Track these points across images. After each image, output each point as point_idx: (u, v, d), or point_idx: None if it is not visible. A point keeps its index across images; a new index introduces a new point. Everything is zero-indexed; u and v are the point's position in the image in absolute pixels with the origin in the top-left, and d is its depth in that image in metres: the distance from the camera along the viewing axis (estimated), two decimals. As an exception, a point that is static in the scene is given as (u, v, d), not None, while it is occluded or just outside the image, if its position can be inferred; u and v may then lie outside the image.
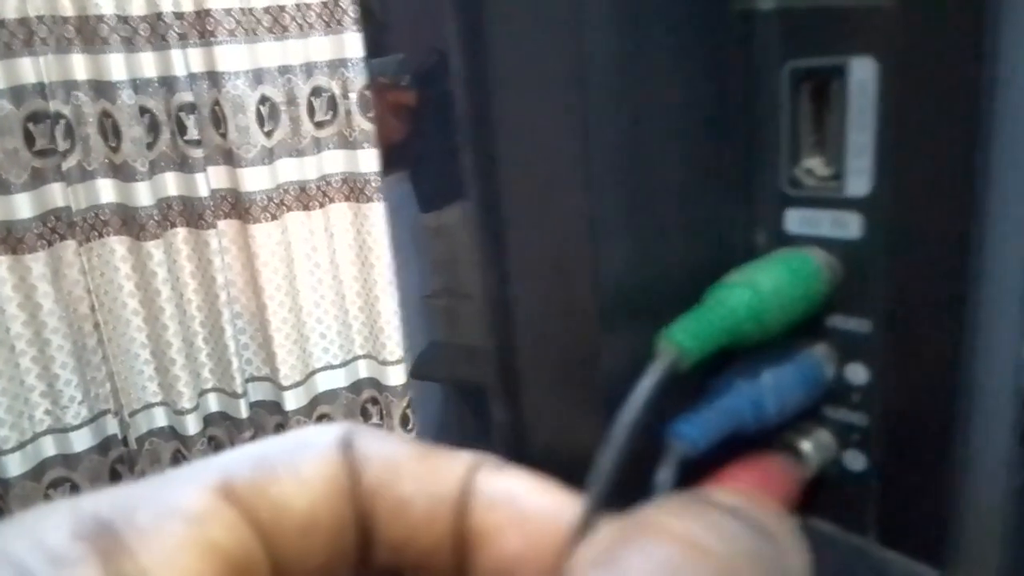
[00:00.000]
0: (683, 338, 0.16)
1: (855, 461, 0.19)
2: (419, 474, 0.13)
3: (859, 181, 0.17)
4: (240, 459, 0.12)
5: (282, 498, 0.12)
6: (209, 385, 1.10)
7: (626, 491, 0.15)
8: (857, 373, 0.18)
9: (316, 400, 1.14)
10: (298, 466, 0.12)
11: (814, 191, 0.18)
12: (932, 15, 0.15)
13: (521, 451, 0.19)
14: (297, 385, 1.12)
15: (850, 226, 0.17)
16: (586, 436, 0.18)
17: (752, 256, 0.19)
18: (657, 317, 0.17)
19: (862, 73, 0.16)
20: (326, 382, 1.14)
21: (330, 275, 1.12)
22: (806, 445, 0.19)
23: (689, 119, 0.18)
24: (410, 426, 1.18)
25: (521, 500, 0.12)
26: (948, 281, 0.17)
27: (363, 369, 1.16)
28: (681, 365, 0.16)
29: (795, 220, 0.18)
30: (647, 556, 0.10)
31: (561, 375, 0.18)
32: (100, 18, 0.95)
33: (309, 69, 1.05)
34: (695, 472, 0.17)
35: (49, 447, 1.04)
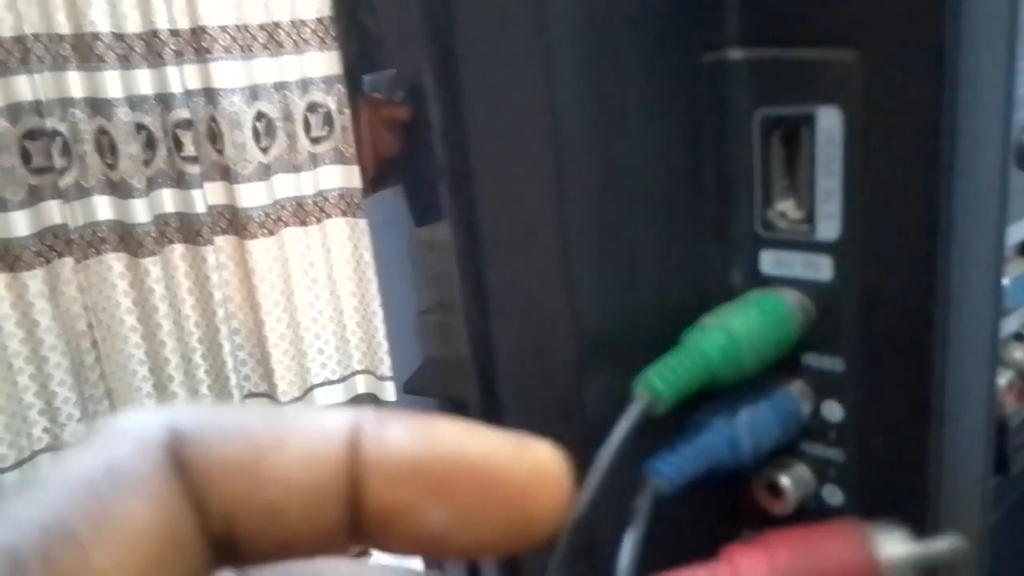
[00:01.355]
0: (658, 383, 0.16)
1: (833, 496, 0.20)
2: (284, 471, 0.10)
3: (829, 225, 0.18)
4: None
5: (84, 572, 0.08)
6: (208, 401, 1.11)
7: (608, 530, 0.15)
8: (833, 410, 0.19)
9: (314, 415, 1.15)
10: (102, 524, 0.08)
11: (786, 234, 0.18)
12: (892, 67, 0.16)
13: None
14: (295, 400, 1.12)
15: (822, 268, 0.18)
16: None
17: (728, 296, 0.19)
18: (636, 357, 0.18)
19: (828, 122, 0.17)
20: (324, 397, 1.15)
21: (327, 290, 1.12)
22: (785, 480, 0.20)
23: (663, 165, 0.18)
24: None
25: (402, 456, 0.10)
26: (916, 321, 0.17)
27: (361, 384, 1.17)
28: (656, 409, 0.16)
29: (769, 261, 0.19)
30: None
31: (543, 417, 0.19)
32: (96, 36, 0.96)
33: (305, 85, 1.06)
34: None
35: (47, 465, 1.04)
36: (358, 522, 0.10)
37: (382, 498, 0.09)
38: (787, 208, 0.18)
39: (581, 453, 0.18)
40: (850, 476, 0.19)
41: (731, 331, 0.17)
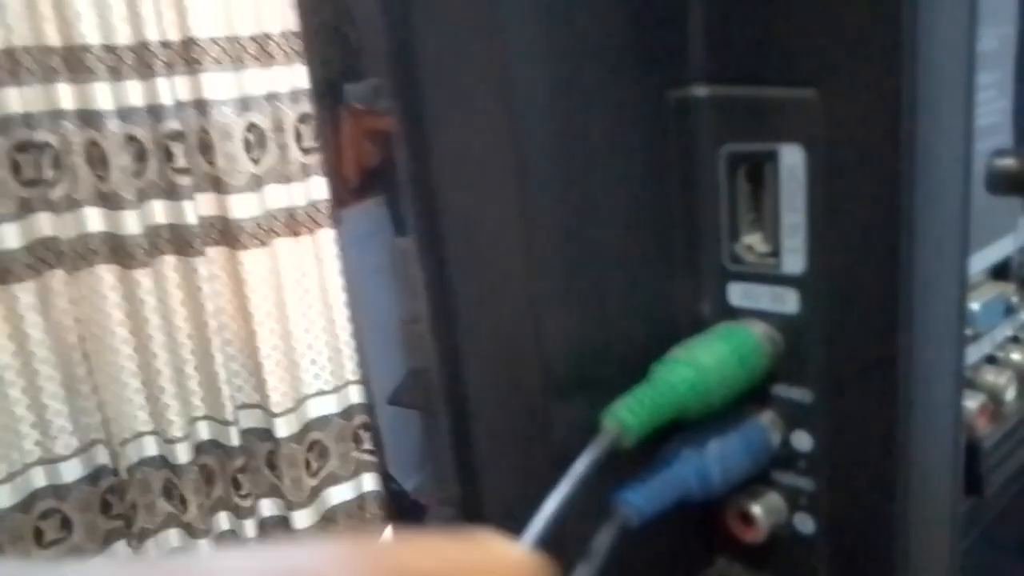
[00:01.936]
0: (626, 416, 0.17)
1: (804, 524, 0.20)
2: None
3: (794, 259, 0.18)
4: None
5: None
6: (200, 413, 1.11)
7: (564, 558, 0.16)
8: (802, 440, 0.19)
9: (308, 427, 1.15)
10: None
11: (754, 267, 0.19)
12: (852, 105, 0.16)
13: (478, 518, 0.20)
14: (288, 412, 1.12)
15: (788, 301, 0.18)
16: (538, 504, 0.19)
17: (697, 327, 0.19)
18: (605, 388, 0.18)
19: (791, 159, 0.17)
20: (318, 408, 1.15)
21: (320, 300, 1.13)
22: (757, 509, 0.20)
23: (630, 199, 0.19)
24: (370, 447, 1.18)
25: None
26: (881, 352, 0.18)
27: (355, 394, 1.17)
28: (624, 442, 0.17)
29: (737, 293, 0.19)
30: None
31: (513, 449, 0.19)
32: (86, 48, 0.97)
33: (296, 96, 1.06)
34: None
35: (39, 478, 1.04)
36: None
37: None
38: (754, 241, 0.19)
39: (550, 485, 0.18)
40: (821, 504, 0.20)
41: (699, 364, 0.18)
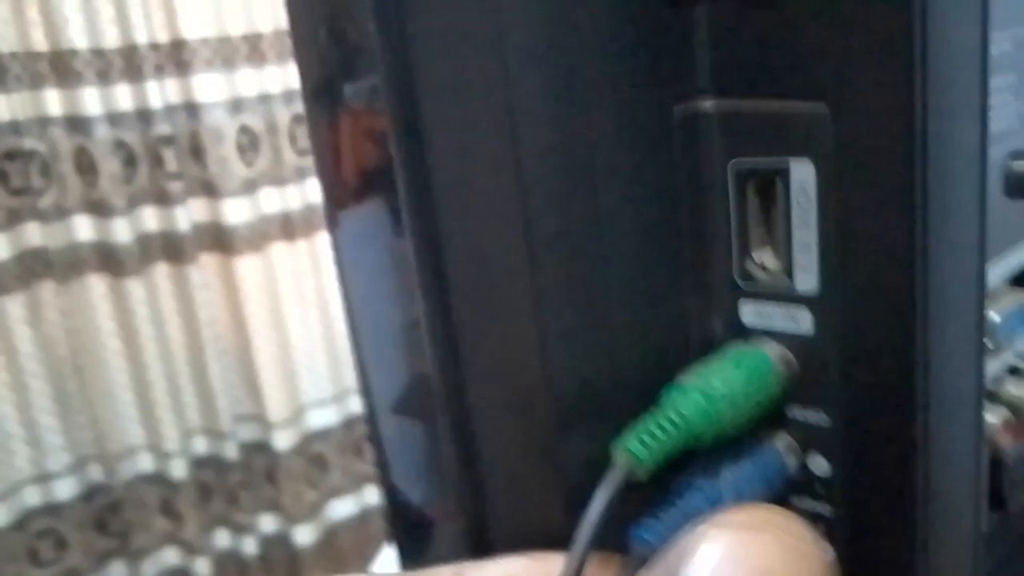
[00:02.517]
0: (638, 449, 0.17)
1: (825, 552, 0.20)
2: None
3: (807, 278, 0.18)
4: None
5: None
6: (195, 425, 1.11)
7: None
8: (819, 464, 0.19)
9: (309, 438, 1.15)
10: None
11: (766, 285, 0.19)
12: (863, 119, 0.16)
13: (486, 549, 0.20)
14: (287, 423, 1.13)
15: (802, 322, 0.18)
16: (549, 534, 0.19)
17: (709, 346, 0.19)
18: (615, 413, 0.18)
19: (801, 175, 0.17)
20: (317, 419, 1.15)
21: (318, 307, 1.13)
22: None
23: (637, 216, 0.18)
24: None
25: None
26: (898, 371, 0.18)
27: (355, 404, 1.17)
28: (637, 475, 0.17)
29: (749, 312, 0.19)
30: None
31: (522, 480, 0.19)
32: (74, 52, 0.97)
33: (289, 97, 1.06)
34: None
35: (33, 496, 1.04)
36: None
37: None
38: (765, 258, 0.19)
39: (560, 516, 0.18)
40: (840, 530, 0.20)
41: (712, 391, 0.17)
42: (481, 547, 0.20)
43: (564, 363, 0.18)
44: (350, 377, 1.16)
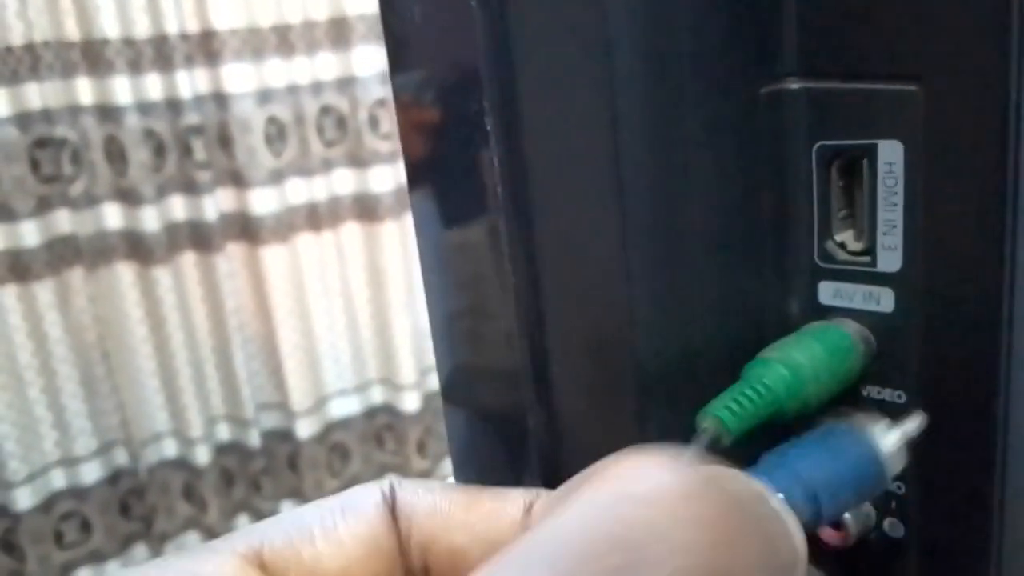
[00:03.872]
0: (725, 416, 0.17)
1: (895, 529, 0.20)
2: (471, 523, 0.13)
3: (890, 257, 0.18)
4: (276, 525, 0.13)
5: (314, 561, 0.13)
6: (219, 413, 1.12)
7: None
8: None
9: (330, 427, 1.16)
10: (335, 528, 0.13)
11: (846, 265, 0.19)
12: (955, 100, 0.16)
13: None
14: (309, 412, 1.13)
15: (882, 300, 0.19)
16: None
17: (786, 327, 0.20)
18: (696, 393, 0.18)
19: (889, 156, 0.17)
20: (339, 408, 1.16)
21: (341, 298, 1.13)
22: (846, 513, 0.20)
23: (722, 197, 0.19)
24: (428, 453, 1.19)
25: None
26: (980, 356, 0.18)
27: (377, 394, 1.18)
28: (723, 442, 0.17)
29: (828, 292, 0.19)
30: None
31: (604, 448, 0.19)
32: (105, 42, 0.98)
33: (317, 88, 1.07)
34: None
35: (59, 479, 1.06)
36: None
37: None
38: (846, 239, 0.19)
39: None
40: (911, 508, 0.20)
41: (795, 364, 0.18)
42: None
43: (650, 337, 0.18)
44: (373, 367, 1.17)
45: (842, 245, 0.19)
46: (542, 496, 0.14)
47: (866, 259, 0.19)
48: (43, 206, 0.99)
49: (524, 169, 0.17)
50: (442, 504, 0.14)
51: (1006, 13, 0.16)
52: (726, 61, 0.18)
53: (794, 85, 0.18)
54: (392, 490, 0.14)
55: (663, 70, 0.17)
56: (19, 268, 0.98)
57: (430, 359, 1.06)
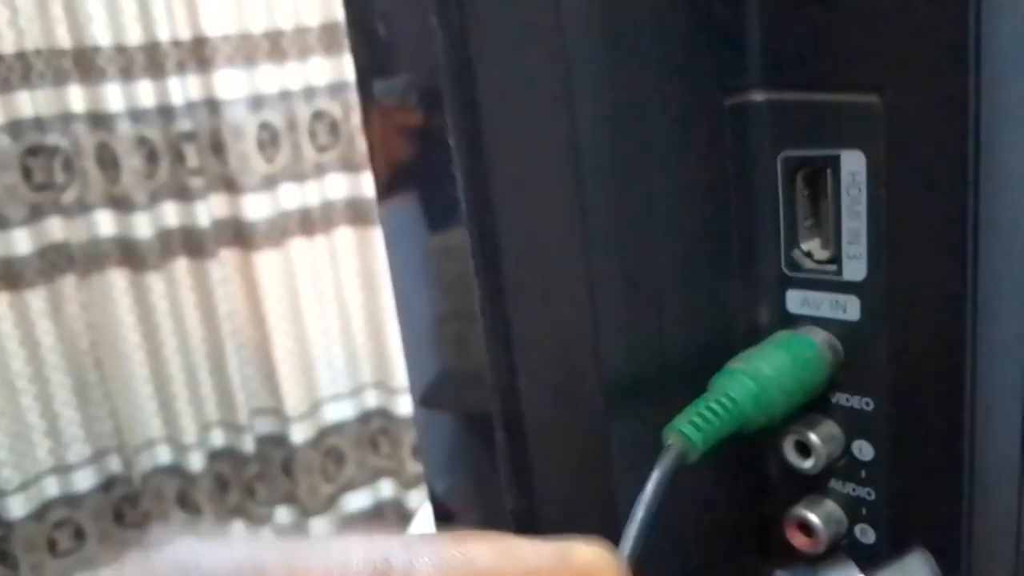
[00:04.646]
0: (690, 431, 0.17)
1: (865, 534, 0.20)
2: None
3: (855, 266, 0.18)
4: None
5: None
6: (213, 419, 1.12)
7: None
8: (863, 450, 0.20)
9: (324, 432, 1.16)
10: None
11: (813, 274, 0.19)
12: (915, 111, 0.17)
13: (537, 533, 0.20)
14: (304, 417, 1.13)
15: (849, 309, 0.19)
16: (596, 519, 0.19)
17: (755, 335, 0.20)
18: (664, 401, 0.18)
19: (852, 165, 0.18)
20: (333, 413, 1.16)
21: (335, 302, 1.13)
22: (816, 519, 0.20)
23: (688, 207, 0.19)
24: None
25: None
26: (945, 360, 0.18)
27: (371, 398, 1.18)
28: (688, 458, 0.17)
29: (796, 301, 0.19)
30: None
31: (571, 466, 0.19)
32: (97, 49, 0.98)
33: (310, 93, 1.07)
34: None
35: (52, 487, 1.05)
36: None
37: None
38: (812, 248, 0.19)
39: (611, 502, 0.19)
40: (882, 514, 0.20)
41: (761, 376, 0.18)
42: (531, 532, 0.20)
43: (615, 348, 0.18)
44: (366, 372, 1.17)
45: (808, 254, 0.19)
46: (395, 551, 0.10)
47: (832, 268, 0.19)
48: (35, 214, 0.99)
49: (487, 181, 0.17)
50: None
51: (963, 27, 0.16)
52: (689, 74, 0.18)
53: (758, 97, 0.18)
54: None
55: (625, 84, 0.17)
56: (11, 276, 0.98)
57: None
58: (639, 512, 0.16)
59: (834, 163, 0.18)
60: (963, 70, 0.16)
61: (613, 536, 0.16)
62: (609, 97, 0.17)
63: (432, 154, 0.19)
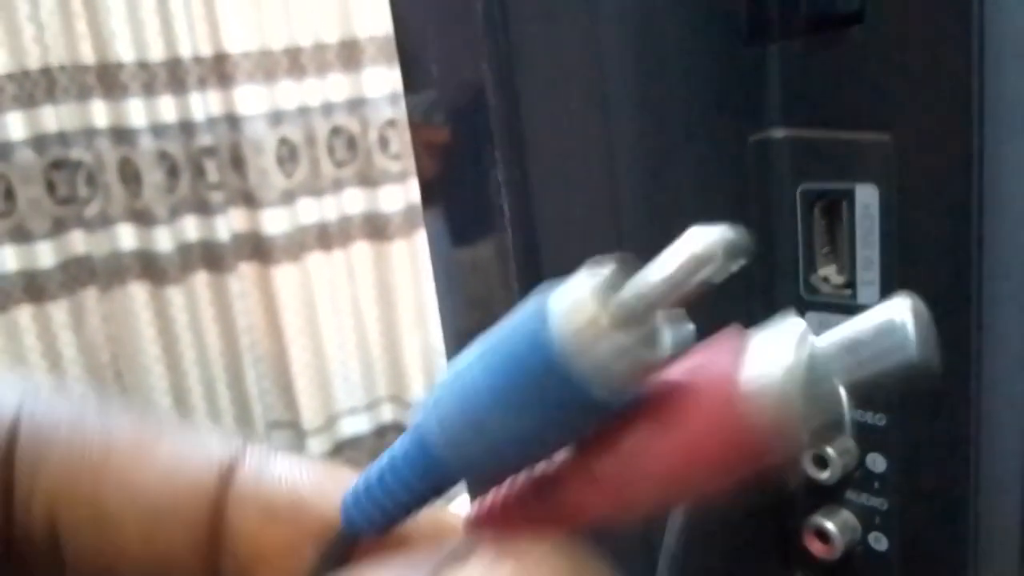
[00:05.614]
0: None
1: (878, 542, 0.22)
2: (131, 482, 0.09)
3: (869, 291, 0.20)
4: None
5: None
6: (230, 431, 1.14)
7: None
8: (876, 462, 0.21)
9: (340, 445, 1.18)
10: None
11: (829, 297, 0.21)
12: (924, 148, 0.18)
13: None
14: (320, 430, 1.15)
15: (863, 330, 0.20)
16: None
17: (775, 354, 0.21)
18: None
19: (866, 198, 0.19)
20: (350, 426, 1.18)
21: (352, 316, 1.16)
22: (832, 527, 0.22)
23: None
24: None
25: (276, 497, 0.09)
26: (954, 382, 0.20)
27: (387, 412, 1.20)
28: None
29: (813, 323, 0.21)
30: None
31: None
32: (120, 65, 1.01)
33: (328, 109, 1.10)
34: None
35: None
36: (216, 558, 0.09)
37: (249, 538, 0.09)
38: (829, 273, 0.21)
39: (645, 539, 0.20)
40: (894, 523, 0.22)
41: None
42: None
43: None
44: (382, 386, 1.19)
45: (826, 279, 0.21)
46: (253, 451, 0.09)
47: (848, 292, 0.20)
48: (58, 227, 1.02)
49: (534, 229, 0.19)
50: (87, 453, 0.09)
51: (968, 70, 0.18)
52: (716, 112, 0.20)
53: (779, 134, 0.20)
54: (14, 425, 0.10)
55: (658, 121, 0.19)
56: (34, 289, 1.01)
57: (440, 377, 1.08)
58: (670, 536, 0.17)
59: (849, 196, 0.19)
60: (967, 111, 0.18)
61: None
62: (644, 134, 0.19)
63: (477, 165, 0.21)
